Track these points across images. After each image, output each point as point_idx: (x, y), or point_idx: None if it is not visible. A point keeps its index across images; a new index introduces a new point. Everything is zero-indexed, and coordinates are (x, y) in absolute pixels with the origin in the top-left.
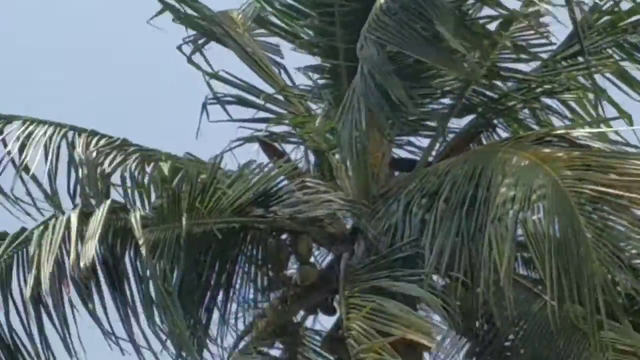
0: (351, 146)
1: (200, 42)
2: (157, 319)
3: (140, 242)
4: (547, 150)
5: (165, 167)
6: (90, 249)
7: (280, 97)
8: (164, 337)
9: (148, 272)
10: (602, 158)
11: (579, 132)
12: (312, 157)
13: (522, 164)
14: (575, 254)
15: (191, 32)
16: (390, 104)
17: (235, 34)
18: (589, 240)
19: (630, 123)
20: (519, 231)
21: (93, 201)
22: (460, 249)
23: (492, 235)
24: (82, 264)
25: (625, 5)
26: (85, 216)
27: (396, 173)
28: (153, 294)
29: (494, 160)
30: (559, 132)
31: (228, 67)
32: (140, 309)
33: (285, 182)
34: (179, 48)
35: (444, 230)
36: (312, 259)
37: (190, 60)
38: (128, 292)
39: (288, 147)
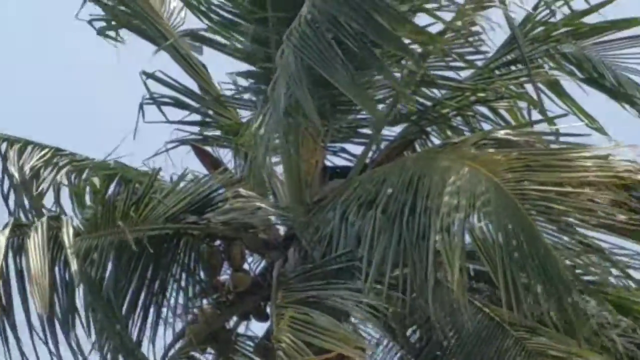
0: (284, 153)
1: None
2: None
3: (70, 251)
4: (484, 154)
5: (98, 176)
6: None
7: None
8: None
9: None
10: (541, 156)
11: (515, 133)
12: (246, 163)
13: (461, 171)
14: (534, 257)
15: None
16: (319, 112)
17: (167, 32)
18: (546, 241)
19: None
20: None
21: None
22: (402, 260)
23: (440, 246)
24: None
25: (560, 16)
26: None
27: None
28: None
29: (432, 168)
30: (495, 134)
31: (166, 68)
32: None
33: (220, 189)
34: (90, 23)
35: (383, 241)
36: (245, 266)
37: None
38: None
39: (223, 152)
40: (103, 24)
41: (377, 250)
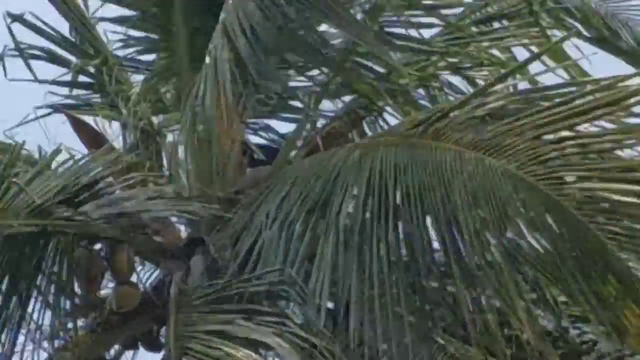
0: (187, 128)
1: None
2: None
3: None
4: (489, 138)
5: None
6: None
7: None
8: None
9: None
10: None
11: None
12: (139, 141)
13: (468, 166)
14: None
15: None
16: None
17: None
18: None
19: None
20: None
21: None
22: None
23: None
24: None
25: None
26: None
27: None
28: None
29: (418, 162)
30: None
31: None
32: None
33: (103, 175)
34: None
35: (339, 259)
36: (134, 278)
37: None
38: None
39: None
40: None
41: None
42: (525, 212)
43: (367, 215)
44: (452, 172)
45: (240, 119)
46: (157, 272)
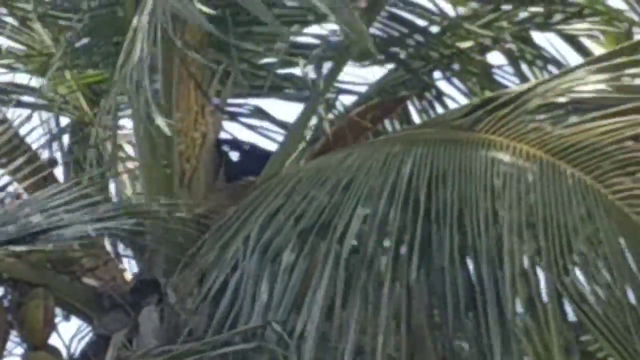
0: (136, 114)
1: None
2: None
3: None
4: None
5: None
6: None
7: None
8: None
9: None
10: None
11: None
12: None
13: (525, 174)
14: None
15: None
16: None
17: None
18: None
19: None
20: None
21: None
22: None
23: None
24: None
25: None
26: None
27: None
28: None
29: (462, 158)
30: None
31: None
32: None
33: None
34: None
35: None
36: (53, 339)
37: None
38: None
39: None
40: None
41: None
42: (599, 246)
43: (384, 242)
44: (506, 180)
45: (210, 99)
46: (88, 331)
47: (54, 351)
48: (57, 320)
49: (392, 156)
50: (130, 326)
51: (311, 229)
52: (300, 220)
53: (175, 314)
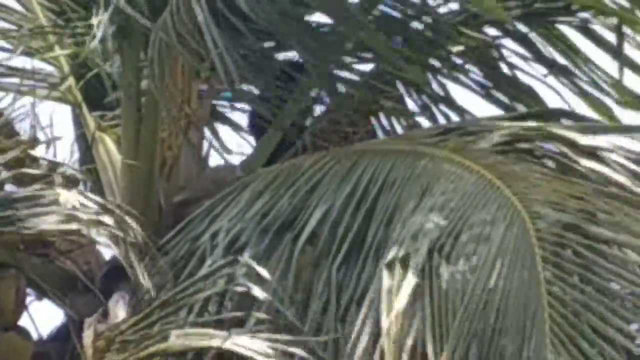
0: (130, 96)
1: None
2: None
3: None
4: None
5: None
6: None
7: None
8: None
9: None
10: None
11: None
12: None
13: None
14: None
15: None
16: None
17: None
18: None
19: None
20: None
21: None
22: None
23: None
24: None
25: None
26: None
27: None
28: None
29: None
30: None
31: None
32: None
33: None
34: None
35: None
36: (24, 321)
37: None
38: None
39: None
40: None
41: None
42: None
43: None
44: (440, 184)
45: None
46: (60, 314)
47: (24, 332)
48: (28, 301)
49: (357, 164)
50: (100, 311)
51: (271, 226)
52: (266, 217)
53: (146, 302)
